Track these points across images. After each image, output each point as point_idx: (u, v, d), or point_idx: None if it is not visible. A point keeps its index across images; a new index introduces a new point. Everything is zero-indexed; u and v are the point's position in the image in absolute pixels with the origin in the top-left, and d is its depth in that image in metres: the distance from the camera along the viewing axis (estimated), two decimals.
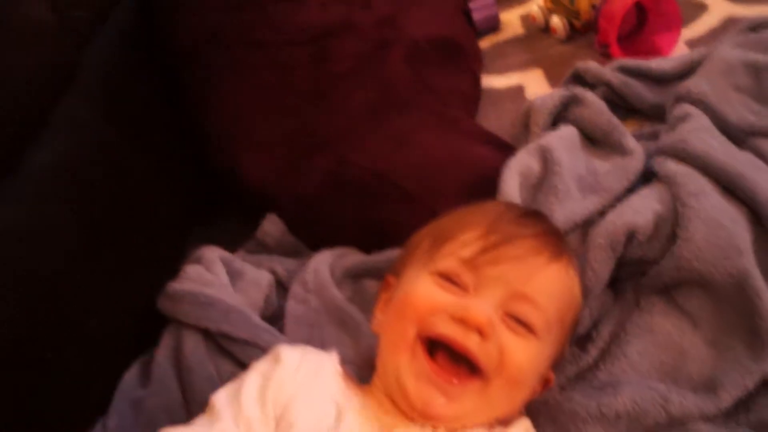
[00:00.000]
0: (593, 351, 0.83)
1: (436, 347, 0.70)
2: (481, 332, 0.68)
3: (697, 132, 0.92)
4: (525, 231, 0.74)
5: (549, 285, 0.73)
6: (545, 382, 0.77)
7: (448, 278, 0.72)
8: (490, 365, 0.68)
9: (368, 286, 0.99)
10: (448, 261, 0.73)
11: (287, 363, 0.72)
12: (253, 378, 0.72)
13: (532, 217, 0.80)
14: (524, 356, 0.70)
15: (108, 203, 0.98)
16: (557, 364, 0.79)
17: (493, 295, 0.70)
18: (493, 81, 1.41)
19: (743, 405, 0.77)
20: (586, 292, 0.82)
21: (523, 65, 1.44)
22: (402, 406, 0.70)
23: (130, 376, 0.93)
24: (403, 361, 0.70)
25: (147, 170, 1.10)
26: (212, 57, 1.18)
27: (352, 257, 1.03)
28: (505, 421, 0.73)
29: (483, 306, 0.69)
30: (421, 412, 0.68)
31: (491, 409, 0.70)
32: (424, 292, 0.72)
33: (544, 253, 0.73)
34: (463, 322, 0.68)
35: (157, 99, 1.18)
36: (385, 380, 0.73)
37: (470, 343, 0.68)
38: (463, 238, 0.74)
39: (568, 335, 0.79)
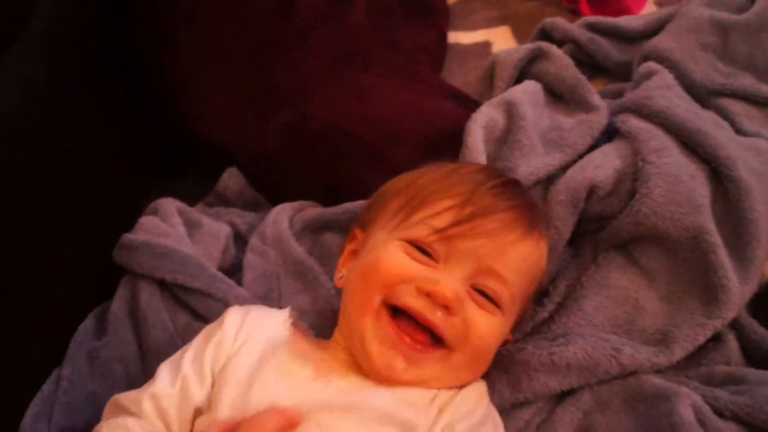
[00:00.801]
0: (549, 305, 0.83)
1: (400, 311, 0.69)
2: (448, 308, 0.68)
3: (661, 89, 0.92)
4: (501, 204, 0.73)
5: (519, 261, 0.73)
6: (503, 342, 0.78)
7: (419, 247, 0.71)
8: (455, 338, 0.68)
9: (327, 238, 0.98)
10: (419, 229, 0.72)
11: (228, 325, 0.72)
12: (195, 341, 0.72)
13: (510, 187, 0.78)
14: (488, 330, 0.70)
15: (60, 154, 0.96)
16: (517, 326, 0.80)
17: (463, 269, 0.70)
18: (459, 37, 1.39)
19: (694, 359, 0.78)
20: (549, 250, 0.82)
21: (491, 21, 1.42)
22: (364, 367, 0.70)
23: (86, 327, 0.91)
24: (367, 325, 0.69)
25: (101, 122, 1.07)
26: (169, 9, 1.14)
27: (312, 210, 1.02)
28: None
29: (451, 281, 0.68)
30: (383, 376, 0.68)
31: (452, 377, 0.71)
32: (393, 260, 0.70)
33: (517, 228, 0.73)
34: (430, 296, 0.68)
35: (112, 52, 1.14)
36: (349, 339, 0.72)
37: (436, 318, 0.68)
38: (437, 207, 0.72)
39: (531, 301, 0.79)
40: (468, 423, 0.68)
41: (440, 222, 0.71)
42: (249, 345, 0.71)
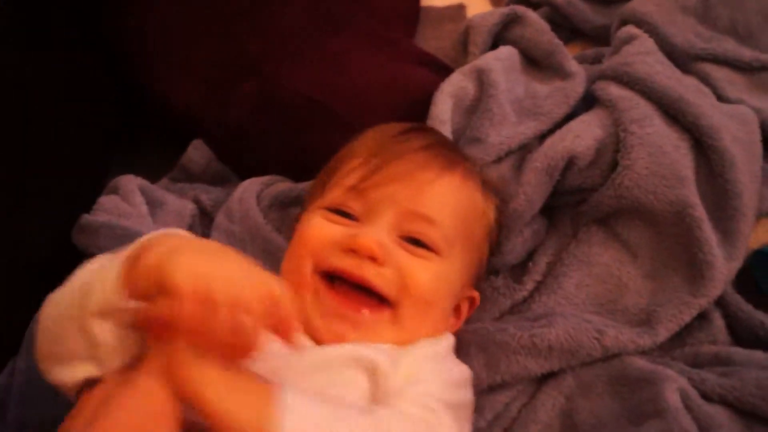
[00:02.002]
0: (529, 283, 0.81)
1: (337, 281, 0.68)
2: (373, 258, 0.66)
3: (641, 55, 0.88)
4: (408, 147, 0.73)
5: (441, 198, 0.72)
6: (471, 301, 0.76)
7: (337, 210, 0.71)
8: (392, 291, 0.67)
9: (296, 214, 0.94)
10: (334, 192, 0.72)
11: None
12: None
13: (416, 131, 0.78)
14: (427, 276, 0.69)
15: (13, 127, 0.91)
16: (478, 280, 0.78)
17: (384, 219, 0.69)
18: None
19: (679, 338, 0.76)
20: (516, 216, 0.80)
21: None
22: (317, 342, 0.67)
23: None
24: (307, 300, 0.67)
25: (59, 92, 1.02)
26: None
27: (281, 185, 0.99)
28: None
29: (371, 232, 0.68)
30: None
31: (408, 334, 0.68)
32: (314, 228, 0.71)
33: (432, 166, 0.72)
34: (353, 252, 0.67)
35: (70, 15, 1.08)
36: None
37: (365, 272, 0.66)
38: (345, 168, 0.73)
39: (483, 249, 0.77)
40: (431, 350, 0.67)
41: (351, 180, 0.71)
42: None
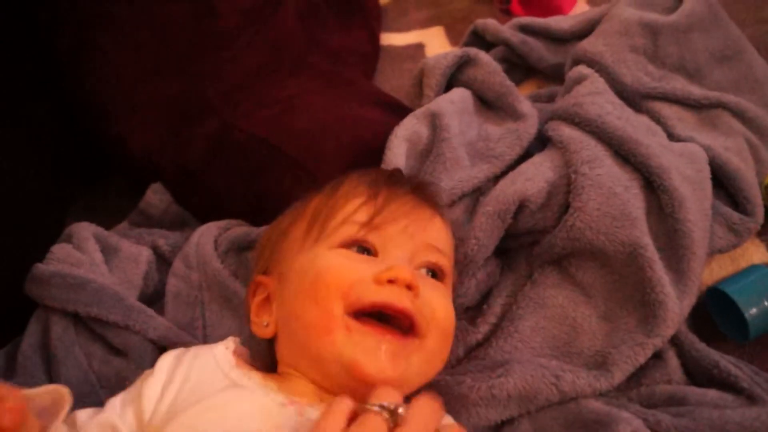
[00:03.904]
0: (484, 327, 0.81)
1: (362, 319, 0.66)
2: (411, 288, 0.66)
3: (592, 95, 0.89)
4: (400, 188, 0.75)
5: (441, 232, 0.75)
6: None
7: (352, 246, 0.70)
8: (425, 321, 0.66)
9: (253, 259, 0.94)
10: (345, 230, 0.70)
11: (157, 375, 0.68)
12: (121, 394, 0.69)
13: (397, 176, 0.81)
14: (446, 305, 0.70)
15: None
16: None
17: (403, 251, 0.70)
18: (393, 39, 1.38)
19: (635, 377, 0.76)
20: (468, 260, 0.81)
21: (424, 22, 1.41)
22: (344, 383, 0.65)
23: None
24: (338, 341, 0.64)
25: (13, 140, 1.00)
26: (86, 13, 1.08)
27: (238, 229, 0.97)
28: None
29: (403, 263, 0.68)
30: (377, 381, 0.62)
31: (429, 369, 0.69)
32: (337, 266, 0.68)
33: (426, 206, 0.75)
34: (391, 283, 0.65)
35: (23, 60, 1.07)
36: (314, 365, 0.67)
37: (406, 303, 0.65)
38: (349, 207, 0.72)
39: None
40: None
41: (362, 216, 0.71)
42: (191, 383, 0.67)
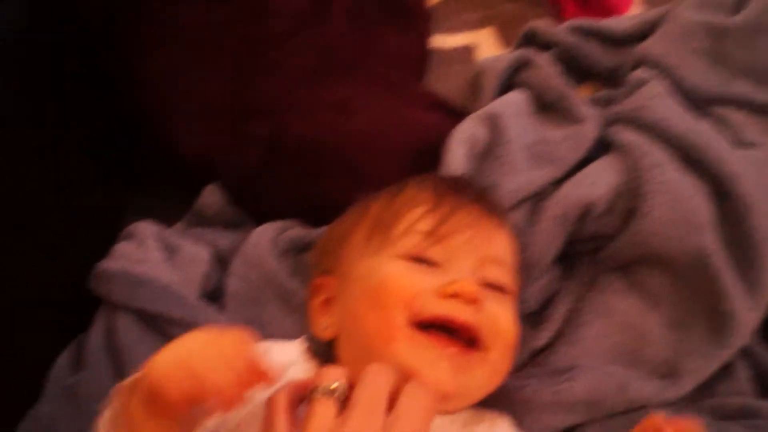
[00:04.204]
0: (547, 333, 0.80)
1: (423, 330, 0.66)
2: (474, 302, 0.66)
3: (656, 98, 0.87)
4: (466, 198, 0.74)
5: (507, 244, 0.74)
6: None
7: (416, 257, 0.69)
8: (488, 335, 0.66)
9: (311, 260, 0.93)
10: (408, 240, 0.70)
11: None
12: None
13: (462, 183, 0.79)
14: (510, 318, 0.70)
15: (30, 172, 0.90)
16: None
17: (467, 264, 0.69)
18: (441, 41, 1.35)
19: (704, 389, 0.74)
20: (531, 265, 0.80)
21: (475, 24, 1.37)
22: None
23: (62, 361, 0.87)
24: (401, 350, 0.64)
25: (75, 138, 1.02)
26: (134, 16, 1.08)
27: (296, 230, 0.98)
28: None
29: (467, 276, 0.68)
30: (436, 393, 0.61)
31: (493, 379, 0.69)
32: (401, 277, 0.68)
33: (491, 216, 0.74)
34: (454, 296, 0.66)
35: (85, 63, 1.08)
36: None
37: (468, 316, 0.65)
38: (412, 216, 0.71)
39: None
40: None
41: (425, 225, 0.70)
42: None
